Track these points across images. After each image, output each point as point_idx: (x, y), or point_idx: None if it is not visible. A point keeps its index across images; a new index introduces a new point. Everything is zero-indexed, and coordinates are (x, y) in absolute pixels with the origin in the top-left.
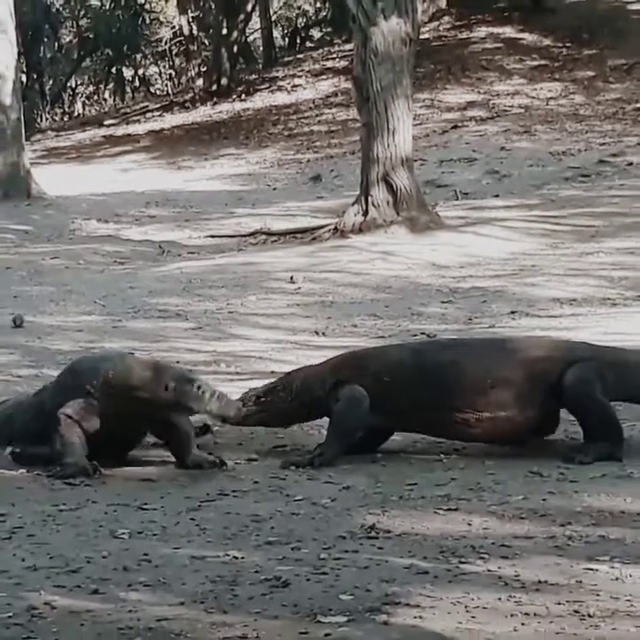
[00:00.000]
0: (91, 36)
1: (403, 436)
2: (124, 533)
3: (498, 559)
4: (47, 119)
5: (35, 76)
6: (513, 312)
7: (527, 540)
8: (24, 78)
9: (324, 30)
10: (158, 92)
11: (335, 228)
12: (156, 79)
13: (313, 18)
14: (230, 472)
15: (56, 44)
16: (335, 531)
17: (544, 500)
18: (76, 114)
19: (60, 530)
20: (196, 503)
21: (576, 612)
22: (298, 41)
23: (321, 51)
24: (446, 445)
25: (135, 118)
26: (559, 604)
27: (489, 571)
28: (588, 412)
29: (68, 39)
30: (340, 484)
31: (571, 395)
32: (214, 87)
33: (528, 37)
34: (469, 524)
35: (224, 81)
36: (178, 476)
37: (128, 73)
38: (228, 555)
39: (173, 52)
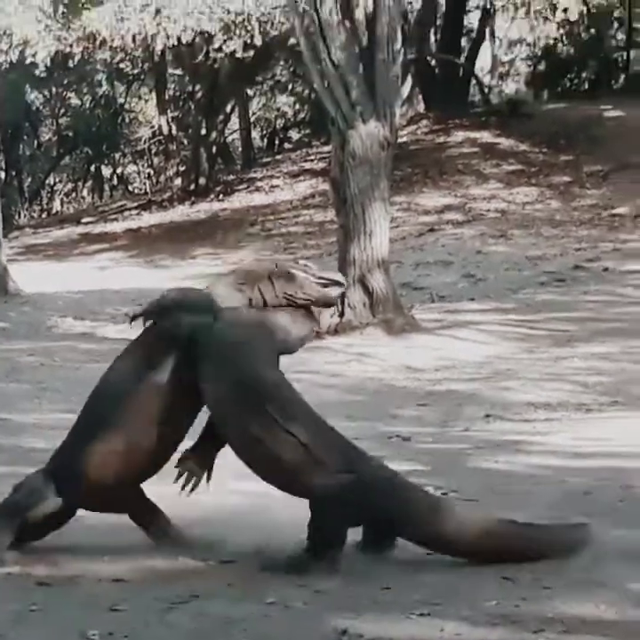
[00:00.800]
0: (70, 134)
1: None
2: (94, 635)
3: None
4: (25, 216)
5: (14, 174)
6: (487, 416)
7: None
8: (3, 175)
9: (302, 132)
10: (137, 191)
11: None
12: (134, 178)
13: (291, 119)
14: (202, 573)
15: (35, 141)
16: (308, 635)
17: (517, 605)
18: (54, 211)
19: (30, 630)
20: (167, 605)
21: None
22: (276, 142)
23: (299, 152)
24: (419, 549)
25: (113, 216)
26: None
27: None
28: None
29: (47, 137)
30: (312, 586)
31: None
32: (192, 187)
33: (505, 142)
34: (442, 630)
35: (202, 181)
36: (149, 577)
37: (107, 171)
38: None
39: (152, 152)
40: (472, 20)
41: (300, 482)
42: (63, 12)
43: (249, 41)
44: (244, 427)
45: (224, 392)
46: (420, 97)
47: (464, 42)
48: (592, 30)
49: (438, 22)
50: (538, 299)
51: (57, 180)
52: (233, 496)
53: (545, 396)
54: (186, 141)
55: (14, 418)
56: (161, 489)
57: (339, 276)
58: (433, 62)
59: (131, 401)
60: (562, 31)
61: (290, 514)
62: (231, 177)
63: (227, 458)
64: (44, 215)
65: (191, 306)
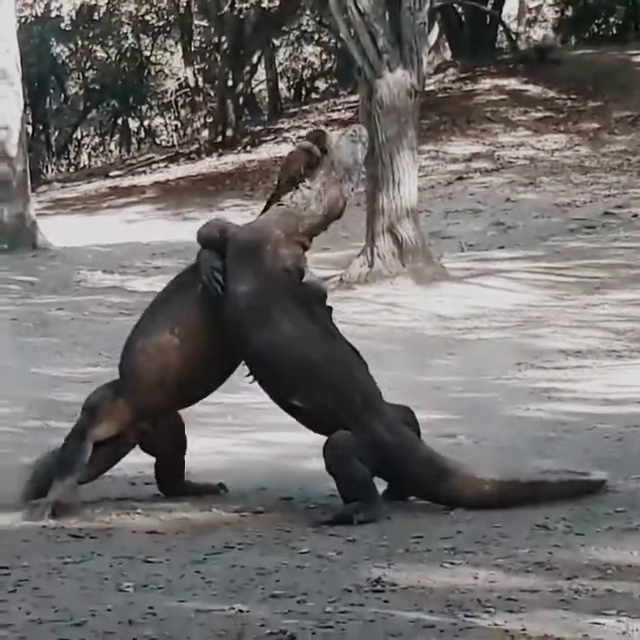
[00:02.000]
0: (96, 87)
1: None
2: (128, 587)
3: (504, 613)
4: (53, 170)
5: (40, 128)
6: (518, 364)
7: (533, 593)
8: (30, 130)
9: (329, 82)
10: (164, 144)
11: (340, 279)
12: (161, 130)
13: (318, 70)
14: (235, 525)
15: (62, 95)
16: (340, 584)
17: (550, 553)
18: (81, 165)
19: (64, 583)
20: (201, 556)
21: None
22: (303, 92)
23: (326, 102)
24: None
25: (141, 169)
26: None
27: (495, 624)
28: None
29: (73, 91)
30: (345, 536)
31: None
32: (220, 138)
33: (533, 89)
34: (475, 578)
35: (229, 132)
36: (183, 529)
37: (134, 124)
38: (233, 608)
39: (179, 104)
40: None
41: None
42: None
43: None
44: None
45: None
46: (447, 45)
47: None
48: None
49: None
50: (567, 246)
51: (84, 133)
52: (261, 447)
53: (576, 344)
54: (212, 93)
55: (45, 371)
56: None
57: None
58: (459, 9)
59: (177, 308)
60: None
61: (318, 463)
62: (258, 128)
63: (250, 413)
64: (71, 169)
65: None
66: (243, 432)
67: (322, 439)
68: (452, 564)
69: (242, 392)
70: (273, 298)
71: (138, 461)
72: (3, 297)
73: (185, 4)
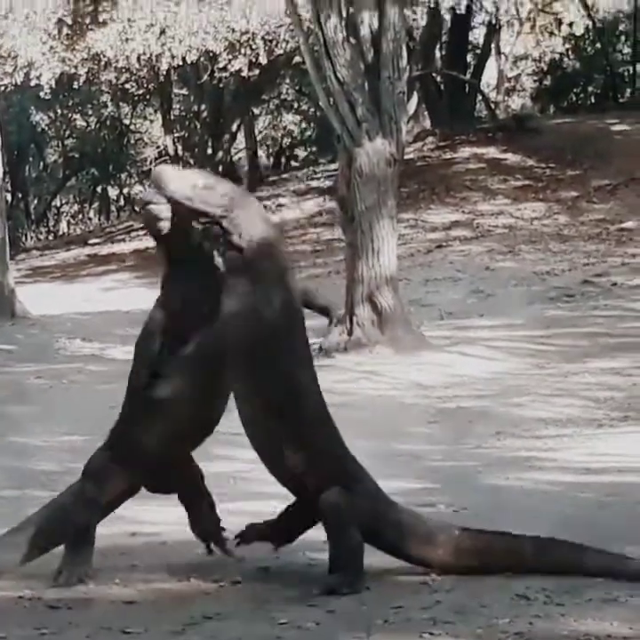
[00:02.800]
0: (76, 155)
1: (386, 558)
2: None
3: None
4: (32, 238)
5: (20, 196)
6: (498, 432)
7: None
8: (9, 197)
9: (309, 150)
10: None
11: (320, 348)
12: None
13: (298, 138)
14: (214, 595)
15: (41, 163)
16: None
17: (530, 623)
18: (60, 233)
19: None
20: (180, 627)
21: None
22: (283, 160)
23: (306, 170)
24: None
25: (120, 237)
26: None
27: None
28: None
29: (53, 159)
30: (324, 607)
31: None
32: None
33: (511, 158)
34: None
35: None
36: (162, 599)
37: (113, 192)
38: None
39: None
40: (477, 35)
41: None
42: (67, 34)
43: (254, 60)
44: None
45: None
46: (426, 113)
47: (470, 58)
48: (598, 45)
49: (443, 38)
50: (547, 314)
51: (63, 201)
52: (236, 516)
53: (556, 412)
54: (192, 161)
55: (23, 440)
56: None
57: None
58: (439, 78)
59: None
60: (567, 46)
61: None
62: None
63: (221, 481)
64: (50, 237)
65: None
66: (221, 502)
67: None
68: (432, 634)
69: (217, 461)
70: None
71: (115, 531)
72: None
73: (165, 73)
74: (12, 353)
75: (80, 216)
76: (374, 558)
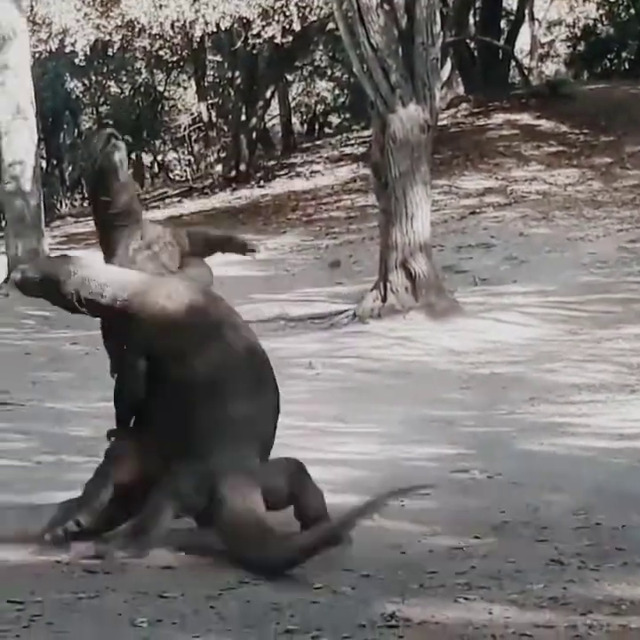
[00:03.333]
0: (110, 122)
1: (421, 524)
2: (143, 622)
3: None
4: (67, 205)
5: (54, 163)
6: (531, 398)
7: (548, 629)
8: (44, 164)
9: (342, 116)
10: (177, 178)
11: (354, 314)
12: (175, 165)
13: (331, 104)
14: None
15: (76, 130)
16: (354, 620)
17: (564, 588)
18: None
19: (79, 619)
20: (216, 591)
21: None
22: (316, 127)
23: (339, 137)
24: (466, 533)
25: (154, 204)
26: None
27: None
28: None
29: (87, 126)
30: (359, 571)
31: None
32: (233, 173)
33: (545, 124)
34: (490, 613)
35: (243, 167)
36: (197, 564)
37: (147, 159)
38: None
39: (192, 139)
40: (511, 1)
41: None
42: (102, 1)
43: (288, 26)
44: None
45: None
46: (460, 80)
47: (503, 24)
48: (632, 10)
49: (477, 4)
50: (580, 280)
51: None
52: None
53: (589, 378)
54: (226, 128)
55: (59, 406)
56: None
57: None
58: (472, 45)
59: None
60: (601, 11)
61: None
62: (272, 163)
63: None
64: (85, 204)
65: None
66: None
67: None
68: (467, 599)
69: None
70: None
71: None
72: (17, 331)
73: (198, 40)
74: (48, 319)
75: None
76: (406, 524)
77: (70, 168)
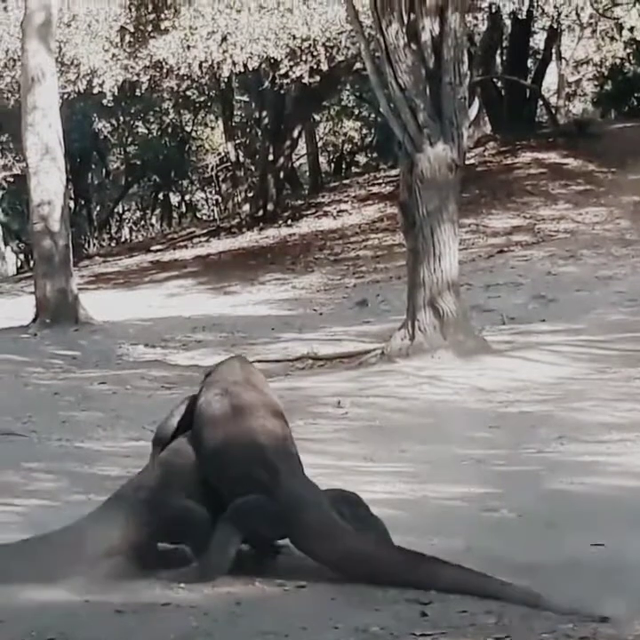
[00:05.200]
0: (138, 162)
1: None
2: None
3: None
4: (95, 245)
5: (83, 203)
6: (560, 437)
7: None
8: (72, 204)
9: (369, 156)
10: (205, 218)
11: (382, 353)
12: (202, 205)
13: (358, 144)
14: (279, 599)
15: (104, 170)
16: None
17: (594, 629)
18: (123, 239)
19: None
20: (246, 636)
21: None
22: (343, 166)
23: (366, 176)
24: (497, 573)
25: (182, 244)
26: None
27: None
28: None
29: (115, 166)
30: (389, 611)
31: None
32: (261, 212)
33: (572, 162)
34: None
35: (270, 206)
36: (227, 604)
37: (175, 199)
38: None
39: (220, 178)
40: (538, 40)
41: None
42: (130, 42)
43: (315, 66)
44: None
45: None
46: (487, 119)
47: (530, 63)
48: None
49: (504, 43)
50: (609, 319)
51: (125, 208)
52: None
53: (618, 417)
54: (253, 167)
55: (88, 446)
56: None
57: None
58: (499, 84)
59: None
60: (628, 50)
61: None
62: (299, 202)
63: None
64: (113, 243)
65: None
66: None
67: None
68: (497, 638)
69: None
70: None
71: None
72: (46, 371)
73: (226, 80)
74: (76, 359)
75: (142, 223)
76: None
77: (98, 208)
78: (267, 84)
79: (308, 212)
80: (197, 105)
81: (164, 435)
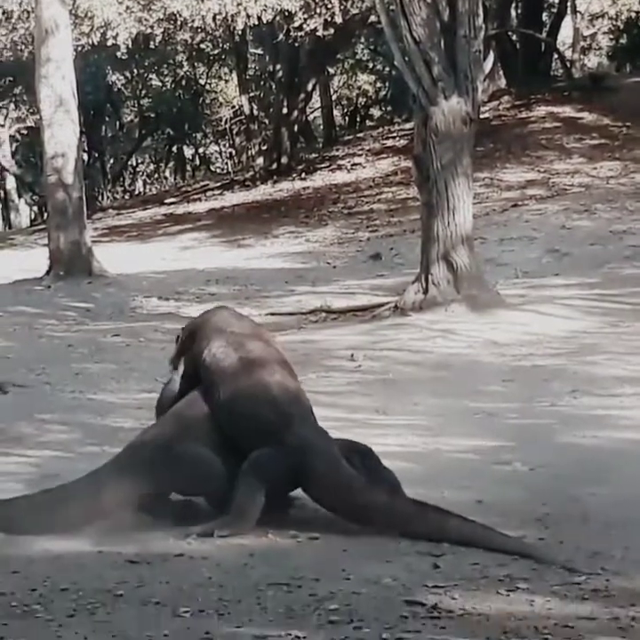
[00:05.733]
0: (151, 115)
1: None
2: (185, 612)
3: None
4: (108, 197)
5: (96, 155)
6: (574, 391)
7: (590, 620)
8: (86, 157)
9: (383, 109)
10: (219, 171)
11: (395, 306)
12: (216, 158)
13: (373, 97)
14: (292, 551)
15: (117, 123)
16: (397, 611)
17: (607, 580)
18: (136, 192)
19: (121, 608)
20: (258, 582)
21: None
22: (358, 120)
23: (381, 129)
24: (508, 525)
25: (196, 197)
26: None
27: None
28: None
29: (129, 118)
30: (401, 562)
31: None
32: (274, 166)
33: (587, 117)
34: (532, 605)
35: (284, 159)
36: (240, 555)
37: (188, 152)
38: (289, 634)
39: (233, 132)
40: None
41: None
42: None
43: (329, 19)
44: None
45: None
46: (502, 72)
47: (545, 16)
48: None
49: None
50: (623, 273)
51: (139, 160)
52: None
53: (631, 370)
54: (267, 121)
55: (101, 397)
56: None
57: None
58: (514, 37)
59: None
60: None
61: None
62: (313, 155)
63: None
64: (126, 196)
65: None
66: None
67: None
68: (509, 590)
69: None
70: None
71: None
72: (59, 323)
73: (240, 33)
74: (90, 311)
75: (156, 175)
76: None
77: (112, 161)
78: (281, 36)
79: (322, 166)
80: (211, 58)
81: (166, 402)
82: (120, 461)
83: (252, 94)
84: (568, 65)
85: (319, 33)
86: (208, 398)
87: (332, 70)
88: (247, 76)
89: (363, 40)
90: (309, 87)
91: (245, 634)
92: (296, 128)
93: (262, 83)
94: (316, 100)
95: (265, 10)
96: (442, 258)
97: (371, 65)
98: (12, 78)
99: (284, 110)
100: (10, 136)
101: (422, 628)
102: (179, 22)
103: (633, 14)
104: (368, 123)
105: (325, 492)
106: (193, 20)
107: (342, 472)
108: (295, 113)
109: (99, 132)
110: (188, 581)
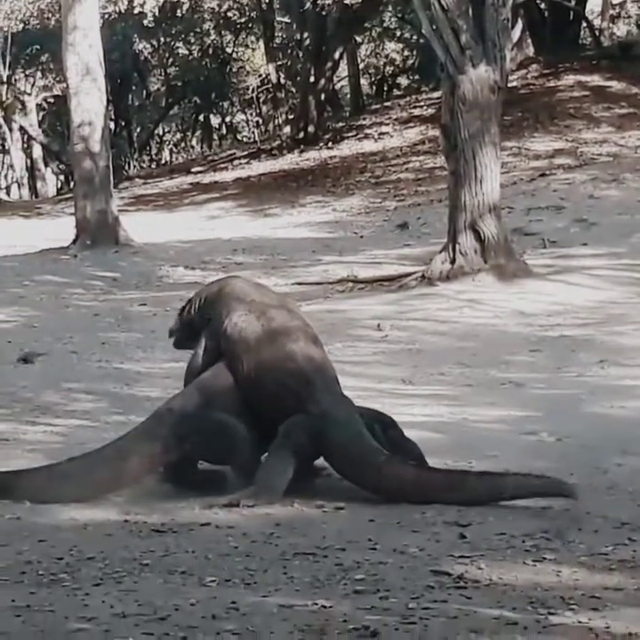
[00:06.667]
0: (178, 84)
1: None
2: (211, 581)
3: (588, 611)
4: (135, 166)
5: (123, 124)
6: (601, 361)
7: (617, 591)
8: (112, 126)
9: (411, 78)
10: (245, 140)
11: (422, 276)
12: (243, 127)
13: (400, 66)
14: (317, 520)
15: (144, 91)
16: (423, 580)
17: (634, 551)
18: (163, 161)
19: (147, 577)
20: (285, 552)
21: None
22: (385, 89)
23: (408, 98)
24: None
25: (222, 166)
26: None
27: (579, 622)
28: None
29: (155, 87)
30: (427, 532)
31: None
32: (301, 135)
33: (616, 85)
34: (558, 575)
35: (311, 129)
36: (266, 524)
37: (215, 121)
38: (316, 604)
39: (260, 100)
40: None
41: None
42: None
43: None
44: None
45: None
46: (530, 41)
47: None
48: None
49: None
50: None
51: (166, 129)
52: None
53: None
54: (294, 90)
55: (127, 367)
56: None
57: None
58: (543, 5)
59: None
60: None
61: None
62: (340, 124)
63: None
64: (153, 165)
65: None
66: None
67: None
68: (535, 561)
69: None
70: None
71: None
72: (86, 293)
73: (267, 1)
74: (117, 280)
75: (182, 144)
76: None
77: (138, 129)
78: (308, 4)
79: (349, 135)
80: (238, 26)
81: (194, 373)
82: (146, 430)
83: (279, 63)
84: (596, 33)
85: (346, 1)
86: (232, 368)
87: (359, 39)
88: (274, 45)
89: (390, 8)
90: (336, 56)
91: (271, 603)
92: (323, 97)
93: (289, 51)
94: (343, 69)
95: None
96: (469, 227)
97: (398, 33)
98: (38, 46)
99: (311, 79)
100: (37, 105)
101: (448, 598)
102: None
103: None
104: (395, 91)
105: (344, 463)
106: None
107: (362, 443)
108: (322, 82)
109: (125, 101)
110: (214, 551)
